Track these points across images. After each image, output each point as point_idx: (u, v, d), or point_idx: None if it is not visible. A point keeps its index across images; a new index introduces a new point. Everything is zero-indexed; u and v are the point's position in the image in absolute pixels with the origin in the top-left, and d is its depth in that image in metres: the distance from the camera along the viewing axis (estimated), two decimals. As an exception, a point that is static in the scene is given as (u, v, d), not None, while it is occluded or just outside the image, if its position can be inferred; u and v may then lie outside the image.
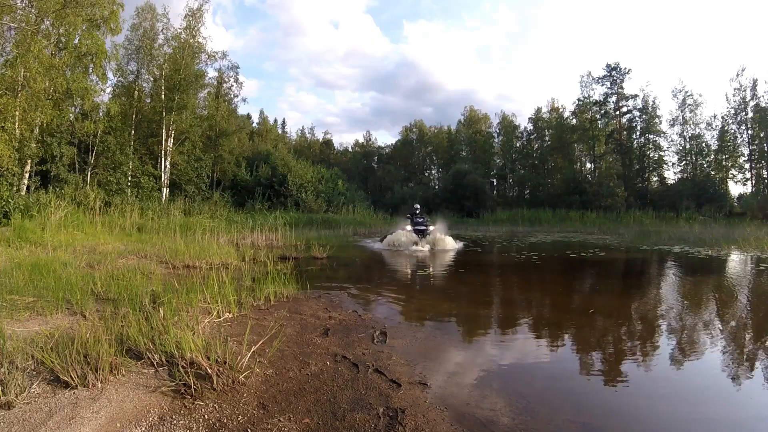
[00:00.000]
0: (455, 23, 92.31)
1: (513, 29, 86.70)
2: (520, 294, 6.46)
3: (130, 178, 18.30)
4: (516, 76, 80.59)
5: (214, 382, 2.67)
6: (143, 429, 2.21)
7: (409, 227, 12.01)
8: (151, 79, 21.07)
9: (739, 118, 28.85)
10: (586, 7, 78.52)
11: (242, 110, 36.53)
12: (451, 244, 11.98)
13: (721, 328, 4.26)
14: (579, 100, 32.94)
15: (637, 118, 31.49)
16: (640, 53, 68.58)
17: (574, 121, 33.73)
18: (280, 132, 42.91)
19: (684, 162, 30.88)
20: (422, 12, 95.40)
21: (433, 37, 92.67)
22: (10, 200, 11.44)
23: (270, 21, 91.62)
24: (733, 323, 4.46)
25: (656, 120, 31.12)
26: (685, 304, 5.49)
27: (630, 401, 2.66)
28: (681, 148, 30.90)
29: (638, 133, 31.55)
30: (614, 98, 31.57)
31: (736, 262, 9.96)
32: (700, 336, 4.02)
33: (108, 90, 19.61)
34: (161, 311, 3.68)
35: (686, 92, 30.48)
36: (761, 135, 27.90)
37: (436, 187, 36.41)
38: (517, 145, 37.24)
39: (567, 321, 4.64)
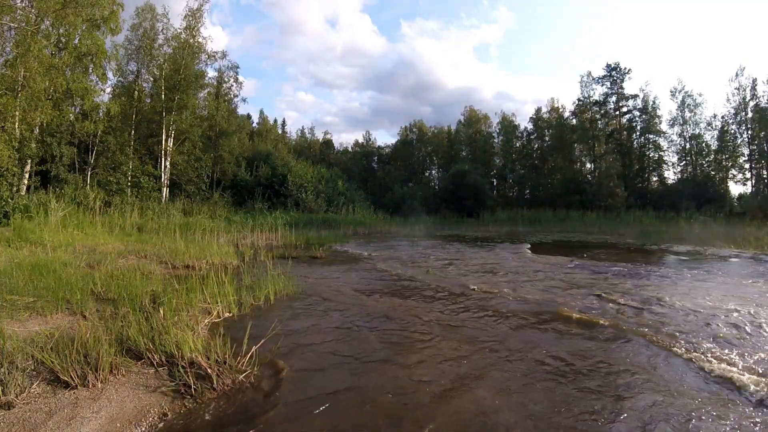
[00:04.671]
0: (453, 21, 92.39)
1: (512, 28, 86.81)
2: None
3: (130, 178, 18.28)
4: (515, 74, 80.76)
5: (214, 382, 2.68)
6: (143, 429, 2.21)
7: None
8: (151, 79, 21.05)
9: (739, 118, 28.85)
10: (586, 7, 78.58)
11: (242, 110, 36.52)
12: None
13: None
14: (579, 100, 32.97)
15: (637, 118, 31.50)
16: (640, 53, 68.67)
17: (574, 121, 33.73)
18: (280, 132, 42.88)
19: (684, 162, 30.90)
20: (420, 11, 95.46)
21: (432, 36, 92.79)
22: (10, 200, 11.43)
23: (267, 20, 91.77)
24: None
25: (656, 120, 31.14)
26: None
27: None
28: (681, 148, 30.93)
29: (638, 133, 31.56)
30: (614, 98, 31.57)
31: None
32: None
33: (108, 90, 19.62)
34: (161, 311, 3.68)
35: (686, 92, 30.53)
36: (761, 135, 27.89)
37: (436, 187, 36.38)
38: (517, 145, 37.23)
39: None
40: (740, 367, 3.02)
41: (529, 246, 12.89)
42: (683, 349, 3.45)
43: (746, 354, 3.32)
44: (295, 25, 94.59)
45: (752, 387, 2.58)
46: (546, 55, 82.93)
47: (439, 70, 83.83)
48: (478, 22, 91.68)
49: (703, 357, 3.25)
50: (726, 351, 3.40)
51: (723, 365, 3.05)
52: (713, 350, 3.42)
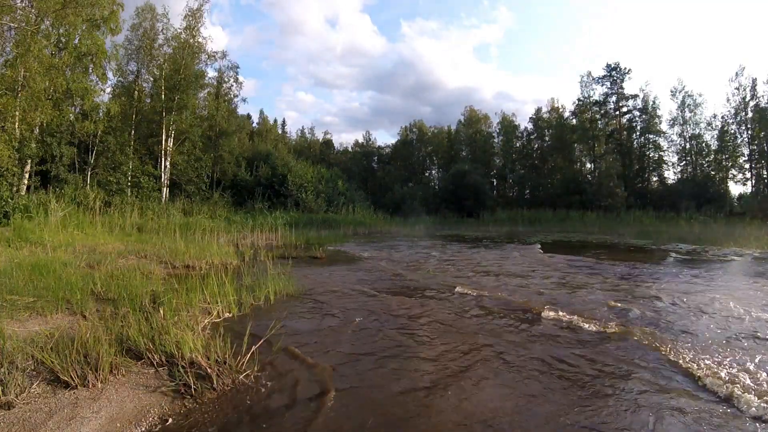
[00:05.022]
0: (453, 21, 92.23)
1: (512, 28, 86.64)
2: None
3: (130, 178, 18.28)
4: (515, 74, 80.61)
5: (214, 382, 2.68)
6: (143, 429, 2.21)
7: None
8: (151, 79, 21.05)
9: (739, 118, 28.84)
10: (586, 7, 78.56)
11: (242, 110, 36.48)
12: None
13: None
14: (579, 100, 32.96)
15: (637, 118, 31.50)
16: (640, 53, 68.66)
17: (574, 121, 33.73)
18: (280, 132, 42.87)
19: (684, 162, 30.90)
20: (420, 10, 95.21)
21: (431, 36, 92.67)
22: (10, 200, 11.43)
23: (266, 20, 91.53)
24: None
25: (656, 120, 31.15)
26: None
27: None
28: (681, 148, 30.93)
29: (638, 133, 31.56)
30: (614, 98, 31.56)
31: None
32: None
33: (108, 90, 19.62)
34: (161, 311, 3.68)
35: (686, 92, 30.53)
36: (761, 135, 27.88)
37: (436, 187, 36.39)
38: (517, 145, 37.24)
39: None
40: (737, 380, 3.01)
41: (539, 246, 12.75)
42: (685, 361, 3.45)
43: (743, 363, 3.32)
44: (295, 25, 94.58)
45: (749, 402, 2.51)
46: (546, 55, 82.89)
47: (439, 70, 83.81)
48: (478, 22, 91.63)
49: (698, 365, 3.25)
50: (723, 360, 3.39)
51: (718, 376, 2.98)
52: (711, 357, 3.41)
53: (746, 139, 28.70)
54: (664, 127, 31.28)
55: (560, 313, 4.54)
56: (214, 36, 78.40)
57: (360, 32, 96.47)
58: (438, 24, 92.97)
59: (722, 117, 29.48)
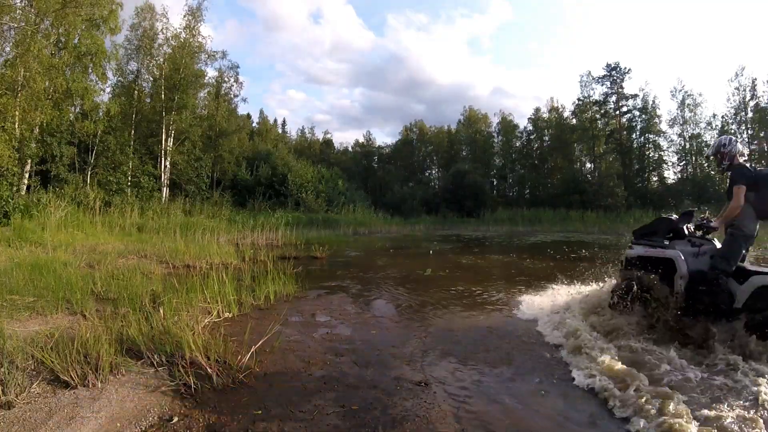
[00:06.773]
0: (442, 13, 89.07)
1: (507, 18, 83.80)
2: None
3: (130, 178, 18.28)
4: (511, 69, 78.92)
5: (214, 381, 2.68)
6: (143, 429, 2.21)
7: None
8: (151, 78, 21.04)
9: (739, 118, 28.84)
10: (585, 5, 78.41)
11: (242, 110, 36.42)
12: None
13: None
14: (579, 99, 32.90)
15: (636, 118, 31.48)
16: (640, 53, 68.54)
17: (574, 120, 33.72)
18: (280, 132, 42.91)
19: (684, 162, 30.90)
20: (407, 1, 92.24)
21: (420, 29, 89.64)
22: (10, 200, 11.40)
23: (248, 15, 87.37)
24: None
25: (656, 120, 31.15)
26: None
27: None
28: (681, 147, 30.93)
29: (638, 133, 31.55)
30: (614, 98, 31.54)
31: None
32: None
33: (108, 90, 19.58)
34: (161, 311, 3.68)
35: (686, 92, 30.50)
36: (761, 135, 27.89)
37: (437, 187, 36.41)
38: (517, 144, 37.25)
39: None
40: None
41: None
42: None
43: None
44: (277, 19, 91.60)
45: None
46: (543, 48, 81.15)
47: (432, 66, 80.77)
48: (469, 12, 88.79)
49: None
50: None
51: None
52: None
53: (746, 139, 28.68)
54: (663, 126, 31.28)
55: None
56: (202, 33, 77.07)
57: (346, 26, 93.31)
58: (427, 17, 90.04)
59: (722, 117, 29.51)
